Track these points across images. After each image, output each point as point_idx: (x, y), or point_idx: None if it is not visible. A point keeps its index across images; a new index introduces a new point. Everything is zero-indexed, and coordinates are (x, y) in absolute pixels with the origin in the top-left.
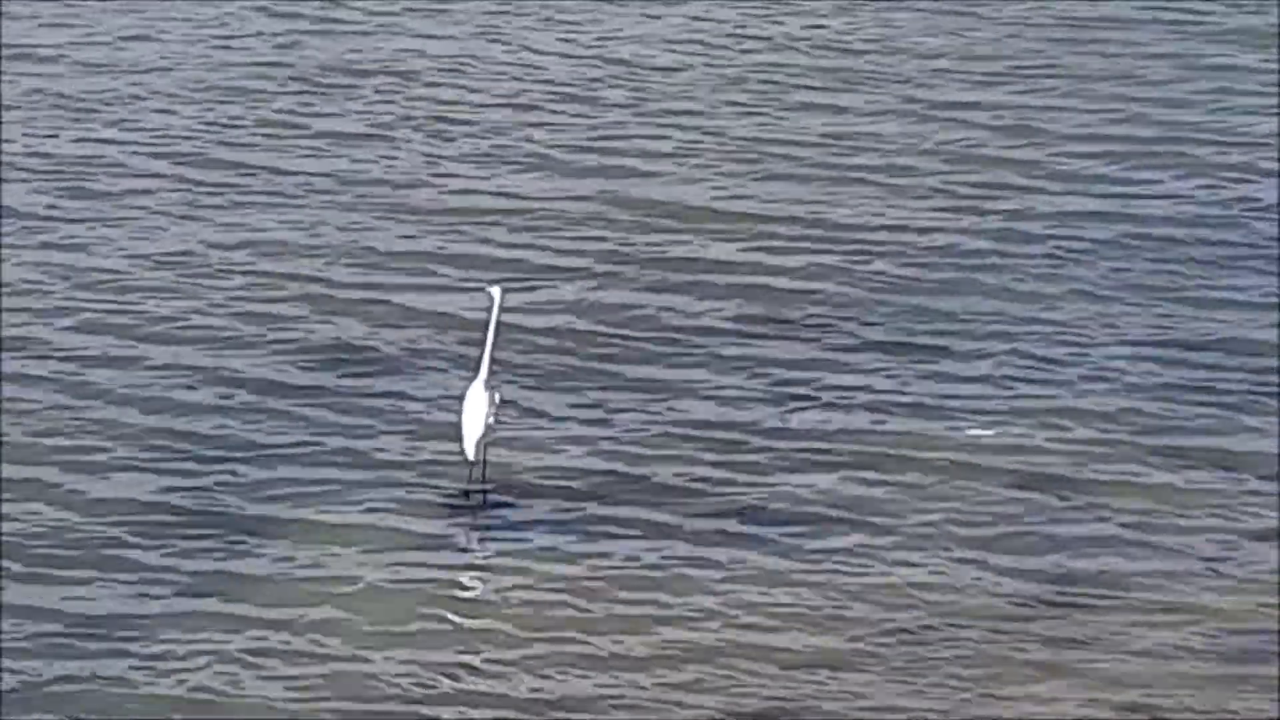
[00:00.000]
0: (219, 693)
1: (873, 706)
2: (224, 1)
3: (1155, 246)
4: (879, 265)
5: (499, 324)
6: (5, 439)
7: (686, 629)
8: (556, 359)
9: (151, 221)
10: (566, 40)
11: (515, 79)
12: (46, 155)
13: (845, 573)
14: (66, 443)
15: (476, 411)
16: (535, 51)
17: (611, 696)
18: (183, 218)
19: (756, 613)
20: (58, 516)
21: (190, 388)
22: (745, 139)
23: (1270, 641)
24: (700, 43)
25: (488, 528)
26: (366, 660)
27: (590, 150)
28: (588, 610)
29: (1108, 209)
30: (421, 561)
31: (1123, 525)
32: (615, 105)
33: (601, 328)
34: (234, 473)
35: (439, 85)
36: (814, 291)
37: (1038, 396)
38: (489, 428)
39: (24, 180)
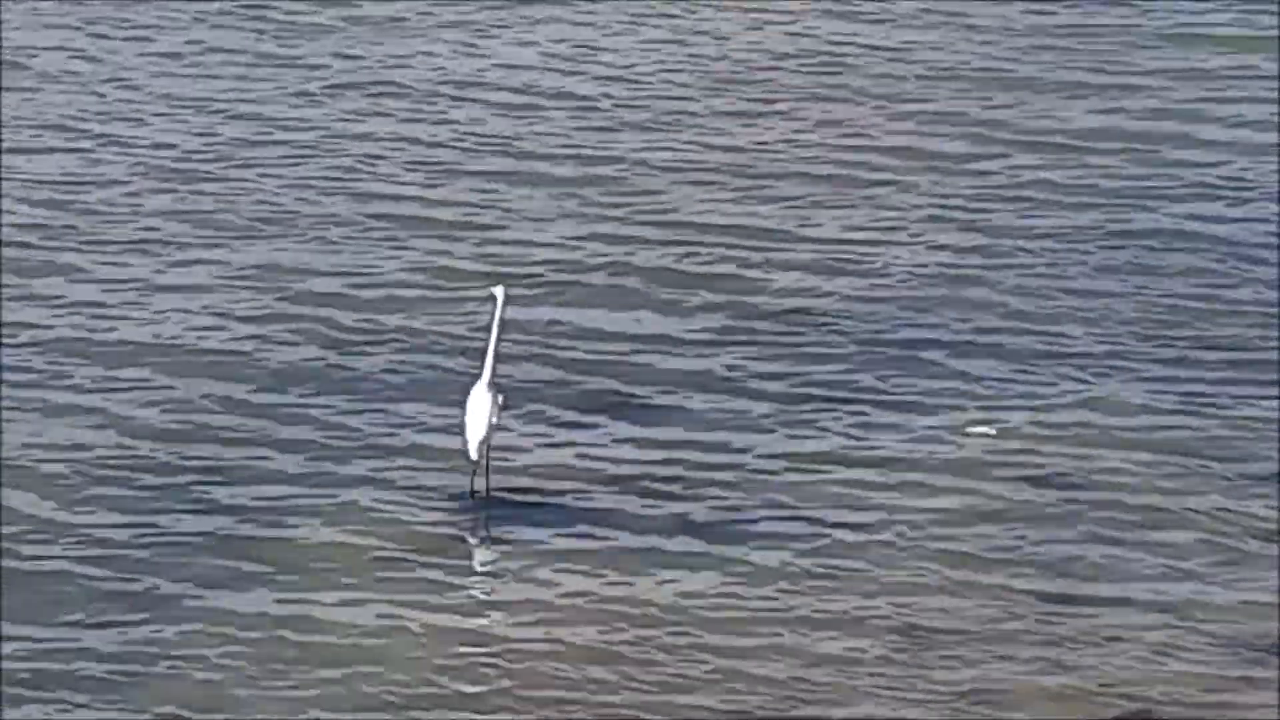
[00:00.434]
0: (219, 693)
1: (873, 707)
2: (207, 14)
3: (1155, 248)
4: (878, 270)
5: (502, 325)
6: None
7: (687, 629)
8: (557, 361)
9: (137, 237)
10: (557, 50)
11: (506, 89)
12: (26, 170)
13: (845, 573)
14: (64, 444)
15: (480, 412)
16: (526, 61)
17: (612, 696)
18: (172, 232)
19: (757, 613)
20: (57, 521)
21: (198, 385)
22: (739, 148)
23: (1270, 641)
24: (691, 54)
25: (490, 528)
26: (367, 661)
27: (589, 160)
28: (589, 610)
29: (1107, 213)
30: (424, 561)
31: (1123, 524)
32: (609, 113)
33: (604, 330)
34: (234, 471)
35: (430, 96)
36: (814, 294)
37: (1037, 397)
38: (492, 428)
39: (7, 196)
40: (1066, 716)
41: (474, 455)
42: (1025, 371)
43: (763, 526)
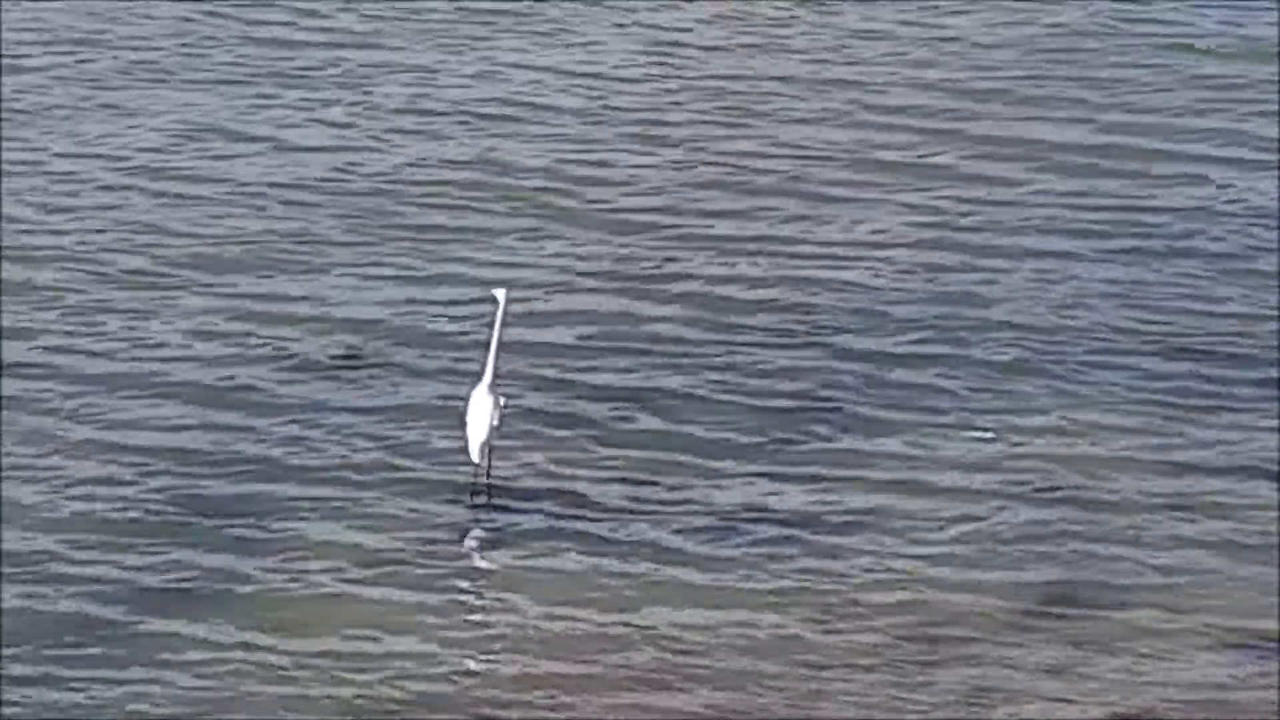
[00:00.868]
0: (219, 694)
1: (874, 708)
2: (196, 6)
3: (1154, 249)
4: (877, 274)
5: (504, 326)
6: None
7: (688, 630)
8: (558, 363)
9: (131, 230)
10: (548, 62)
11: (497, 100)
12: (25, 164)
13: (846, 575)
14: (64, 446)
15: (481, 414)
16: (516, 73)
17: (613, 696)
18: (169, 226)
19: (758, 614)
20: (57, 520)
21: (200, 389)
22: (729, 152)
23: (1270, 641)
24: (680, 65)
25: (492, 529)
26: (368, 661)
27: (583, 168)
28: (591, 610)
29: (1106, 216)
30: (425, 563)
31: (1124, 526)
32: (600, 122)
33: (606, 333)
34: (236, 473)
35: (428, 97)
36: (814, 296)
37: (1037, 399)
38: (493, 430)
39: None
40: (1067, 716)
41: (475, 457)
42: (1022, 376)
43: (763, 529)
